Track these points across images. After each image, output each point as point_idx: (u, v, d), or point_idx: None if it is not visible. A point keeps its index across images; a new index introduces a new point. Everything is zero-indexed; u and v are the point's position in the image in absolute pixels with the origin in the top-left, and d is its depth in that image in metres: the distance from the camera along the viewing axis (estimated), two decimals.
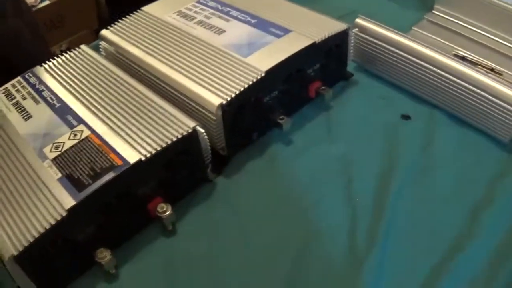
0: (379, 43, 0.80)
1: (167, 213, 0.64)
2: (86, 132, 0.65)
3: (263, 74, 0.69)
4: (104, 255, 0.61)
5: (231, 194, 0.69)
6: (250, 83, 0.69)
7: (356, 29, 0.81)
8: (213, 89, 0.69)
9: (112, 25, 0.84)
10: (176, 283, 0.61)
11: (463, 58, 0.85)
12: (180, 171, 0.66)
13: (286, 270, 0.61)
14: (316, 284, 0.60)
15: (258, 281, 0.61)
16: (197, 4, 0.84)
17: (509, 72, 0.83)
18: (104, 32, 0.84)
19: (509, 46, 0.87)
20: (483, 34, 0.90)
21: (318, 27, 0.76)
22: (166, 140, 0.63)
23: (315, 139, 0.75)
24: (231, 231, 0.65)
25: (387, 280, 0.59)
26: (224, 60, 0.72)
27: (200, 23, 0.80)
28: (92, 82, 0.73)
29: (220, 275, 0.61)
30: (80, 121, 0.67)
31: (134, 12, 0.85)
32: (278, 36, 0.75)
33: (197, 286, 0.61)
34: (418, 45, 0.77)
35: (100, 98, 0.70)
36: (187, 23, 0.80)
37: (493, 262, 0.60)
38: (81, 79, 0.74)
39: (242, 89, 0.68)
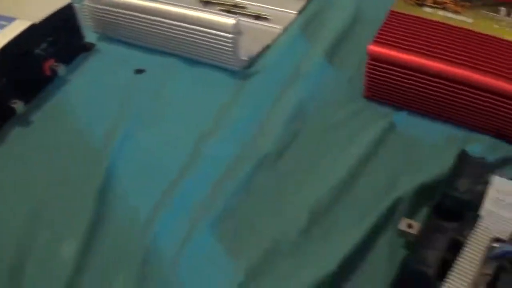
0: (107, 8, 0.81)
1: None
2: None
3: None
4: None
5: None
6: None
7: (88, 0, 0.83)
8: None
9: None
10: None
11: (207, 2, 0.87)
12: None
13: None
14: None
15: None
16: None
17: (253, 4, 0.86)
18: None
19: None
20: None
21: (40, 9, 0.78)
22: None
23: (52, 115, 0.75)
24: None
25: (110, 222, 0.60)
26: None
27: None
28: None
29: None
30: None
31: None
32: (2, 27, 0.76)
33: None
34: (140, 0, 0.78)
35: None
36: None
37: (214, 190, 0.63)
38: None
39: None
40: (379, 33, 0.70)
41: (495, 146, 0.67)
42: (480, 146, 0.66)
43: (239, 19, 0.71)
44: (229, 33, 0.71)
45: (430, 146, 0.66)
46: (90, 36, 0.86)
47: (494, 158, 0.65)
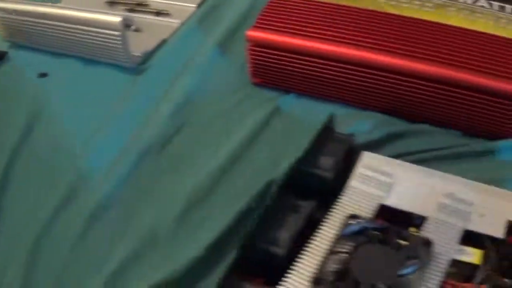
0: (12, 17, 0.82)
1: None
2: None
3: None
4: None
5: None
6: None
7: None
8: None
9: None
10: None
11: (112, 3, 0.88)
12: None
13: None
14: None
15: None
16: None
17: (155, 0, 0.87)
18: None
19: None
20: None
21: None
22: None
23: None
24: None
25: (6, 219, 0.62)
26: None
27: None
28: None
29: None
30: None
31: None
32: None
33: None
34: (38, 7, 0.80)
35: None
36: None
37: (100, 181, 0.64)
38: None
39: None
40: (259, 18, 0.70)
41: (385, 122, 0.66)
42: (369, 123, 0.66)
43: (126, 17, 0.73)
44: (116, 31, 0.72)
45: (315, 127, 0.65)
46: (3, 45, 0.87)
47: (381, 133, 0.64)
